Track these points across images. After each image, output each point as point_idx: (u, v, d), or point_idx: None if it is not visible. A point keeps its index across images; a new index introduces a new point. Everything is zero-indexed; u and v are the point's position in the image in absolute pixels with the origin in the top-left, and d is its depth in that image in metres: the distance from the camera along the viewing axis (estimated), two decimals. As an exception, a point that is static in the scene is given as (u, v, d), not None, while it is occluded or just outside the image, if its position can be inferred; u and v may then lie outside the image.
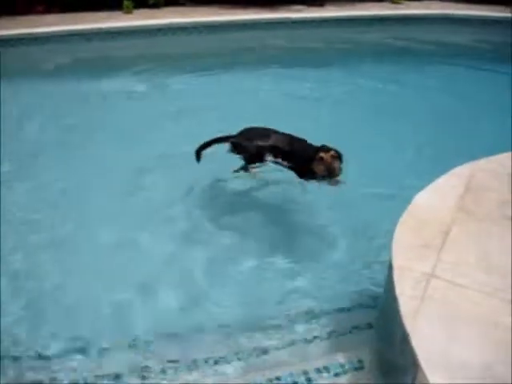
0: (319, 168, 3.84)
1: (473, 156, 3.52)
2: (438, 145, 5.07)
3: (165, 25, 8.40)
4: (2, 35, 7.88)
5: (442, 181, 3.37)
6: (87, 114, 5.96)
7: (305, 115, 5.43)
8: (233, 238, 4.02)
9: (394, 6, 9.18)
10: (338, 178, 3.94)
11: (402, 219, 3.01)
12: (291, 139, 4.20)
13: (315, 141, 4.06)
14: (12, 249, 3.79)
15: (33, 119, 5.80)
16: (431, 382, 2.15)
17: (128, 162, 4.81)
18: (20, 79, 6.80)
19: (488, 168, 3.49)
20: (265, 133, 4.28)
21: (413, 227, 2.95)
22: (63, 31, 8.27)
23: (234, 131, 4.37)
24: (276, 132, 4.26)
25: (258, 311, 3.40)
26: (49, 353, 3.06)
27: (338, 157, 3.85)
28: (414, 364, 2.27)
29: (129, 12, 8.93)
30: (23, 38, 7.91)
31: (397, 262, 2.70)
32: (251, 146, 4.22)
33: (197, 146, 4.32)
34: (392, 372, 2.64)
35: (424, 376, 2.19)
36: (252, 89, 6.52)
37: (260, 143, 4.20)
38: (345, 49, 8.01)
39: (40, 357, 3.02)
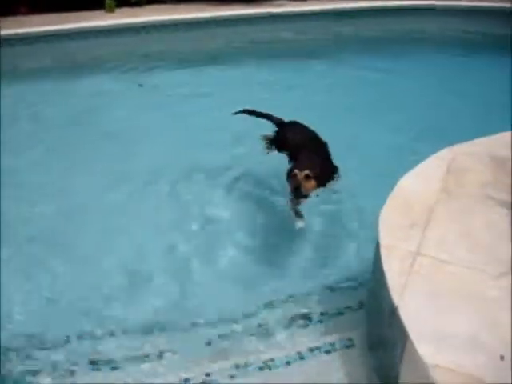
0: (290, 185, 3.80)
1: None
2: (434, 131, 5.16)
3: (148, 22, 8.45)
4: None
5: (426, 164, 3.47)
6: (71, 113, 5.98)
7: (291, 105, 5.49)
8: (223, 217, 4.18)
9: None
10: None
11: (387, 201, 3.11)
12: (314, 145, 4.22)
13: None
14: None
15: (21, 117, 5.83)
16: (419, 351, 2.24)
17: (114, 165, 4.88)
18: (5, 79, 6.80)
19: (469, 151, 3.60)
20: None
21: (398, 208, 3.06)
22: (47, 31, 8.27)
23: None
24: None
25: (249, 296, 3.47)
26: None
27: (316, 177, 3.76)
28: (402, 336, 2.36)
29: (111, 11, 8.96)
30: (8, 39, 7.91)
31: (384, 241, 2.80)
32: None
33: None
34: (381, 347, 2.74)
35: (413, 346, 2.29)
36: (239, 81, 6.60)
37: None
38: (327, 40, 8.09)
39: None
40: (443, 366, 2.19)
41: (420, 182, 3.28)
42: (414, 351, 2.27)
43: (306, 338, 3.19)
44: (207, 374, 2.95)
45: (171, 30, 8.56)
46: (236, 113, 4.69)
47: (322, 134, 4.27)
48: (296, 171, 3.75)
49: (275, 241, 3.99)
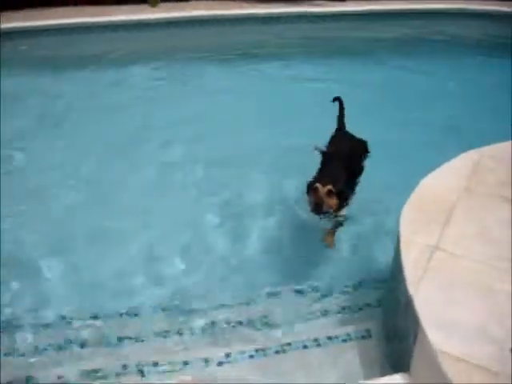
0: (309, 200, 3.65)
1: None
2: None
3: (191, 17, 8.61)
4: (33, 26, 8.17)
5: (451, 163, 3.55)
6: (116, 100, 6.17)
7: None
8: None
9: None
10: (340, 217, 3.85)
11: (411, 197, 3.20)
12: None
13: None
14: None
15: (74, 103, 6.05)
16: (430, 339, 2.35)
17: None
18: (59, 67, 7.04)
19: (493, 153, 3.66)
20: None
21: (420, 205, 3.15)
22: (88, 23, 8.50)
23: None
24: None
25: (276, 285, 3.63)
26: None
27: (338, 193, 3.62)
28: (415, 325, 2.47)
29: (155, 5, 9.14)
30: (62, 28, 8.17)
31: (404, 236, 2.90)
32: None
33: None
34: (396, 337, 2.85)
35: (424, 334, 2.40)
36: (274, 79, 6.70)
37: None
38: (365, 41, 8.14)
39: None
40: (452, 354, 2.28)
41: (443, 180, 3.36)
42: (425, 338, 2.37)
43: (325, 328, 3.29)
44: (227, 355, 3.08)
45: (210, 25, 8.67)
46: (334, 99, 4.65)
47: (356, 128, 4.33)
48: (318, 185, 3.60)
49: (302, 237, 4.08)
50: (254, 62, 7.30)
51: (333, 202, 3.60)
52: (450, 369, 2.26)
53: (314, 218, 3.74)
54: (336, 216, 3.80)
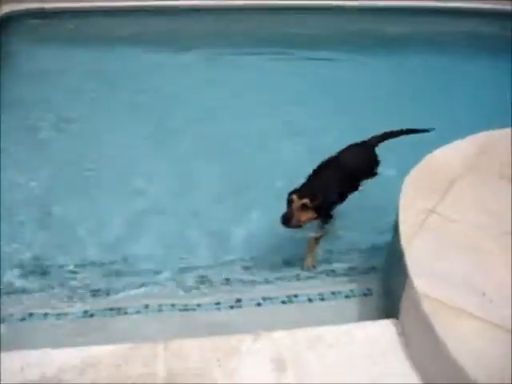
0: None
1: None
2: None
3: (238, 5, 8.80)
4: (78, 7, 8.56)
5: (458, 142, 3.80)
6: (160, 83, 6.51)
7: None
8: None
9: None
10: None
11: (416, 167, 3.47)
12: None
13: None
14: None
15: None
16: (415, 284, 2.64)
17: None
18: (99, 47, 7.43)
19: (502, 136, 3.90)
20: None
21: (423, 174, 3.42)
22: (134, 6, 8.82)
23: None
24: None
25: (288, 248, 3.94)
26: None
27: (317, 208, 3.51)
28: (404, 275, 2.75)
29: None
30: (105, 11, 8.52)
31: (403, 199, 3.18)
32: None
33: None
34: (391, 291, 3.13)
35: (411, 282, 2.68)
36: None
37: None
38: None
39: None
40: (434, 298, 2.56)
41: (448, 156, 3.62)
42: (411, 285, 2.65)
43: (329, 286, 3.58)
44: (238, 300, 3.41)
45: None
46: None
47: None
48: (293, 196, 3.48)
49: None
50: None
51: (306, 216, 3.46)
52: (431, 311, 2.53)
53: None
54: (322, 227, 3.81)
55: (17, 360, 2.64)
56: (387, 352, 2.71)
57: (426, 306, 2.54)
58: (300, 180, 3.71)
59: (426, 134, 4.36)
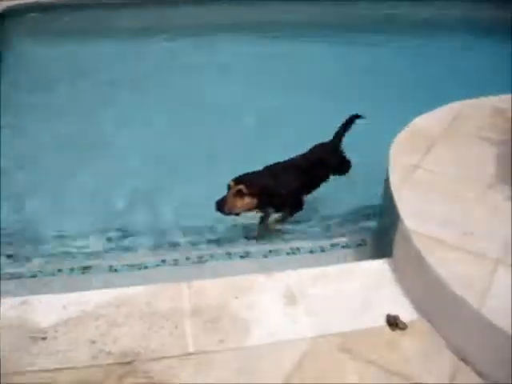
0: None
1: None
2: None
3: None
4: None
5: (438, 110, 4.23)
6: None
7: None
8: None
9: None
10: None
11: (401, 132, 3.89)
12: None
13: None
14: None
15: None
16: (406, 224, 3.05)
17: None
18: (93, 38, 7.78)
19: (477, 103, 4.34)
20: None
21: (408, 137, 3.84)
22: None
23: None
24: None
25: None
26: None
27: (252, 195, 3.67)
28: (396, 218, 3.16)
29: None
30: (99, 4, 8.80)
31: (392, 157, 3.59)
32: None
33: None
34: (383, 236, 3.54)
35: (402, 222, 3.09)
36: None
37: None
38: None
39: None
40: (421, 233, 2.98)
41: (430, 121, 4.05)
42: (402, 225, 3.06)
43: (328, 239, 3.99)
44: (246, 252, 3.82)
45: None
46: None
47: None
48: (231, 183, 3.65)
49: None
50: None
51: (242, 203, 3.63)
52: (420, 244, 2.93)
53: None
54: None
55: (59, 300, 3.00)
56: (381, 284, 3.11)
57: (416, 240, 2.93)
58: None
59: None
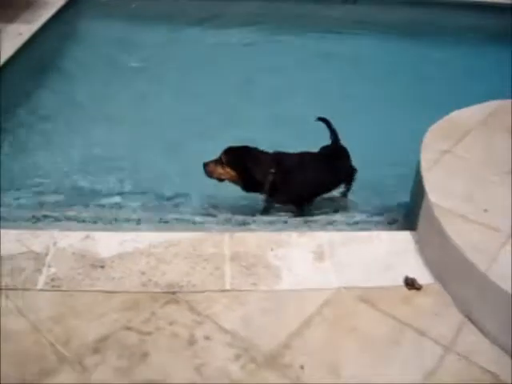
0: None
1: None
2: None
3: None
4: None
5: (474, 106, 4.52)
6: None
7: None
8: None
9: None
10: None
11: (436, 123, 4.20)
12: None
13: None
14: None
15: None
16: (430, 198, 3.38)
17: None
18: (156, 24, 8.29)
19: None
20: None
21: (443, 127, 4.14)
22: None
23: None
24: None
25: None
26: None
27: (232, 167, 3.89)
28: (423, 193, 3.49)
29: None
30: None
31: (424, 143, 3.91)
32: None
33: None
34: (411, 213, 3.86)
35: (426, 196, 3.42)
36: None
37: None
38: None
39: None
40: (443, 207, 3.31)
41: (465, 115, 4.33)
42: (428, 200, 3.39)
43: (363, 214, 4.30)
44: (284, 221, 4.18)
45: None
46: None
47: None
48: (222, 154, 3.90)
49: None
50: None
51: (220, 171, 3.90)
52: (441, 216, 3.25)
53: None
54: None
55: (117, 237, 3.44)
56: (404, 252, 3.43)
57: (437, 212, 3.26)
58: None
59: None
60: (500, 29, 8.16)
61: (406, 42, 7.87)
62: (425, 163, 3.65)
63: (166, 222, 4.01)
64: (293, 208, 4.13)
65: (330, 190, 4.26)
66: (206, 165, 3.88)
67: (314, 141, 4.37)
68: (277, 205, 4.18)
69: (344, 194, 4.41)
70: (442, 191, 3.40)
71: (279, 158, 3.99)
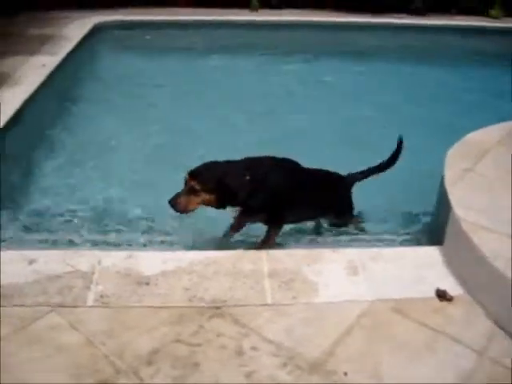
0: None
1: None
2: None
3: (285, 21, 10.05)
4: (154, 20, 9.77)
5: (491, 127, 4.73)
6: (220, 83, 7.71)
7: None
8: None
9: (490, 19, 10.59)
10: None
11: (457, 143, 4.42)
12: None
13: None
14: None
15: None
16: (457, 213, 3.56)
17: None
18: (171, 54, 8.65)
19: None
20: None
21: (463, 147, 4.36)
22: (198, 20, 10.03)
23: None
24: None
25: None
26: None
27: (206, 191, 3.44)
28: (448, 209, 3.67)
29: (255, 10, 10.64)
30: (170, 23, 9.75)
31: (447, 162, 4.11)
32: None
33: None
34: (436, 228, 4.04)
35: (453, 212, 3.59)
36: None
37: None
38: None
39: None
40: (468, 220, 3.49)
41: (484, 135, 4.55)
42: (454, 215, 3.57)
43: (388, 231, 4.49)
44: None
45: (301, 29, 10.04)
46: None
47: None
48: (190, 180, 3.42)
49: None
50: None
51: (193, 201, 3.46)
52: (469, 229, 3.44)
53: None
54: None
55: (159, 256, 3.62)
56: (432, 265, 3.59)
57: (464, 225, 3.45)
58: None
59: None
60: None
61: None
62: (449, 180, 3.82)
63: (203, 241, 4.14)
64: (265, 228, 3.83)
65: (310, 208, 3.96)
66: (173, 202, 3.39)
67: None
68: (247, 222, 3.87)
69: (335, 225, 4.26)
70: (466, 206, 3.58)
71: (251, 163, 3.60)
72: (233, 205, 3.61)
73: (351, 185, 4.10)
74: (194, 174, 3.39)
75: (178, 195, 3.38)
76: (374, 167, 4.13)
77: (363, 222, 4.39)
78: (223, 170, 3.46)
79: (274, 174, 3.62)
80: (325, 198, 3.92)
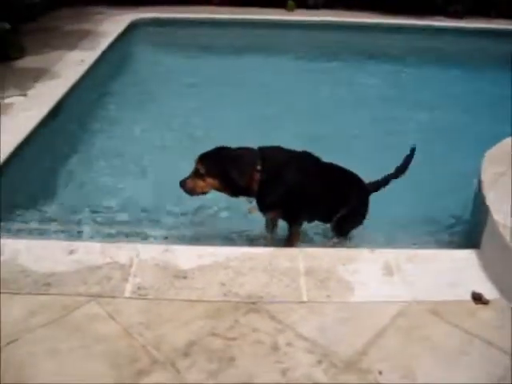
0: None
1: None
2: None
3: (320, 21, 10.06)
4: (189, 18, 9.86)
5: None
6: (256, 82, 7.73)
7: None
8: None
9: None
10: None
11: (493, 148, 4.40)
12: None
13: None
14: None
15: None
16: (495, 217, 3.55)
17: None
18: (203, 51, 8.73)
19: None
20: None
21: (498, 152, 4.34)
22: (234, 19, 10.10)
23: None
24: None
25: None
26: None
27: (211, 176, 3.41)
28: (486, 214, 3.66)
29: (291, 10, 10.66)
30: (206, 22, 9.84)
31: (483, 167, 4.10)
32: None
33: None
34: (472, 232, 4.03)
35: (492, 217, 3.58)
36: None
37: None
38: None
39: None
40: (506, 225, 3.48)
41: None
42: (492, 219, 3.55)
43: (425, 233, 4.49)
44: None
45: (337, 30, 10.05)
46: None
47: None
48: (197, 164, 3.42)
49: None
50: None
51: (198, 185, 3.46)
52: (506, 233, 3.43)
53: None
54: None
55: (195, 251, 3.67)
56: (468, 268, 3.59)
57: (502, 230, 3.43)
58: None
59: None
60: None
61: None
62: (485, 185, 3.81)
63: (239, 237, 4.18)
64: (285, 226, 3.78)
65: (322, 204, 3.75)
66: (183, 183, 3.40)
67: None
68: (266, 216, 3.81)
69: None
70: (503, 210, 3.56)
71: (265, 153, 3.46)
72: (244, 195, 3.54)
73: (370, 192, 3.93)
74: (201, 158, 3.38)
75: (187, 178, 3.42)
76: (390, 175, 3.96)
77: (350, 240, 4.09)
78: (232, 156, 3.37)
79: (289, 167, 3.49)
80: (342, 198, 3.76)
